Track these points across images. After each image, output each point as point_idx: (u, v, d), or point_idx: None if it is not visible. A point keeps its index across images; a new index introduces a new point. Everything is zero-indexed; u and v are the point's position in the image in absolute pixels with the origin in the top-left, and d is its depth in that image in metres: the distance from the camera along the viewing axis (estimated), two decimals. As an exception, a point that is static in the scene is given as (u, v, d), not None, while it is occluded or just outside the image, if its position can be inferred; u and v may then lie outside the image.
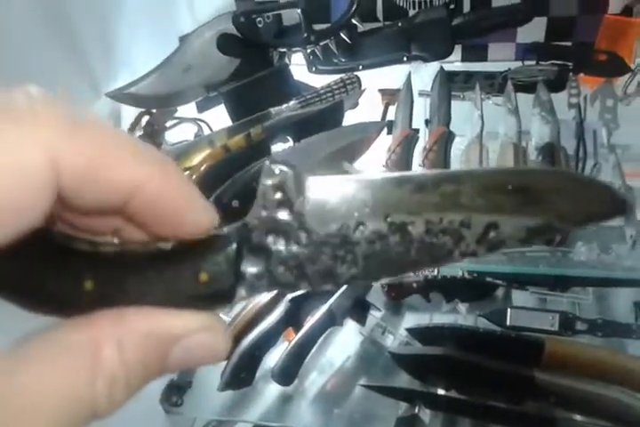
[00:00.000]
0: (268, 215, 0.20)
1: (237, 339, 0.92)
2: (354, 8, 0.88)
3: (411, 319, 1.01)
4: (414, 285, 1.02)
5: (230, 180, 0.72)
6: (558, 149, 0.75)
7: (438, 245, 0.20)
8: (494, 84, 0.91)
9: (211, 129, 0.90)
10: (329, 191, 0.21)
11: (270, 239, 0.20)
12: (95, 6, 0.80)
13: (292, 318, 0.93)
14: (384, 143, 0.83)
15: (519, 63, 0.95)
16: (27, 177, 0.16)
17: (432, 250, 0.21)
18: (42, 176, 0.17)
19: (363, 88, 0.92)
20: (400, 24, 0.93)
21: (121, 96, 0.84)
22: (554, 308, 0.90)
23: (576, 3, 0.94)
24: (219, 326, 0.20)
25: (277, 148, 0.81)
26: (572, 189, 0.21)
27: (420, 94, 0.91)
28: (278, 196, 0.20)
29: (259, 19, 0.94)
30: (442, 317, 0.99)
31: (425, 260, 0.21)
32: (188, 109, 0.92)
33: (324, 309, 0.94)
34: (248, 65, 0.90)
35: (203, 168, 0.74)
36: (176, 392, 0.94)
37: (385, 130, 0.86)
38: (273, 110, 0.85)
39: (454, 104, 0.85)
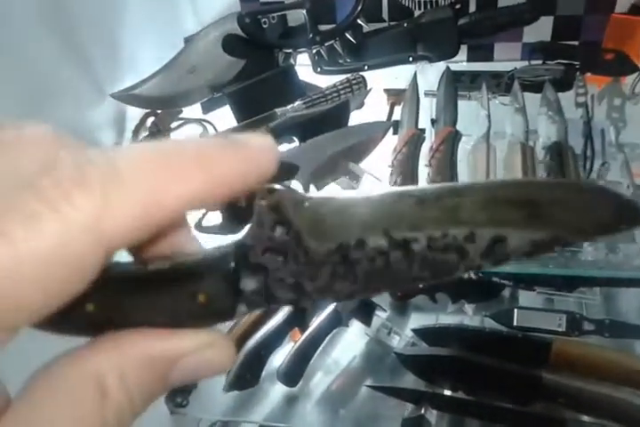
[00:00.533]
0: (264, 234, 0.20)
1: (243, 339, 0.91)
2: (359, 8, 0.88)
3: (417, 320, 1.01)
4: (420, 285, 1.02)
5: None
6: (566, 148, 0.75)
7: (442, 261, 0.20)
8: (501, 83, 0.91)
9: (216, 130, 0.90)
10: (327, 209, 0.20)
11: (268, 258, 0.20)
12: (99, 8, 0.80)
13: (298, 319, 0.93)
14: (390, 143, 0.83)
15: (526, 63, 0.94)
16: (76, 265, 0.17)
17: (435, 266, 0.20)
18: (90, 260, 0.17)
19: (368, 88, 0.91)
20: (406, 24, 0.93)
21: (126, 97, 0.84)
22: (561, 308, 0.89)
23: (583, 2, 0.94)
24: (219, 342, 0.20)
25: (283, 148, 0.81)
26: (578, 200, 0.20)
27: (427, 94, 0.91)
28: (274, 216, 0.20)
29: (264, 19, 0.94)
30: (448, 317, 0.99)
31: (427, 275, 0.20)
32: (193, 110, 0.92)
33: (329, 309, 0.94)
34: (253, 66, 0.90)
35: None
36: (181, 393, 0.93)
37: (391, 130, 0.86)
38: (278, 111, 0.85)
39: (461, 104, 0.85)
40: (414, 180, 0.76)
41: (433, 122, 0.87)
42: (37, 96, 0.70)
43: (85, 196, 0.16)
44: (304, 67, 0.96)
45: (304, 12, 0.88)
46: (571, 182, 0.21)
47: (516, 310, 0.88)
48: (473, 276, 0.97)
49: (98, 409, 0.18)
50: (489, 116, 0.81)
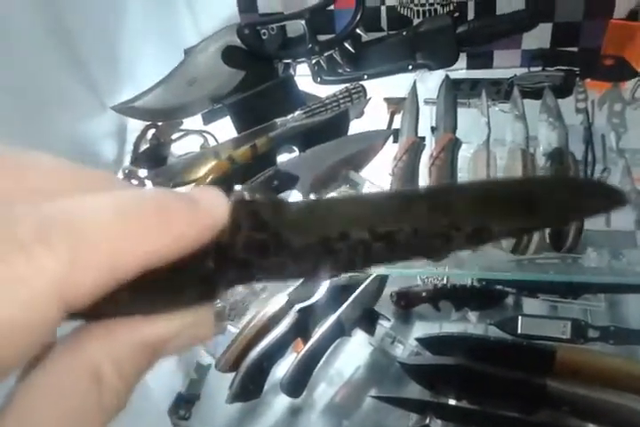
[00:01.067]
0: (242, 235, 0.20)
1: (245, 350, 0.91)
2: (358, 18, 0.88)
3: (420, 329, 1.01)
4: (423, 294, 1.02)
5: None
6: (566, 154, 0.74)
7: (426, 246, 0.21)
8: (500, 90, 0.91)
9: (216, 141, 0.90)
10: (309, 209, 0.21)
11: (248, 254, 0.20)
12: (99, 20, 0.80)
13: (301, 329, 0.93)
14: (390, 151, 0.83)
15: (525, 70, 0.94)
16: (34, 328, 0.16)
17: (419, 250, 0.21)
18: (49, 322, 0.16)
19: (368, 97, 0.92)
20: (404, 33, 0.93)
21: (126, 109, 0.84)
22: (565, 315, 0.89)
23: (581, 8, 0.93)
24: (203, 320, 0.21)
25: (283, 158, 0.81)
26: (564, 194, 0.21)
27: (426, 102, 0.91)
28: (252, 222, 0.20)
29: (263, 30, 0.94)
30: (452, 326, 0.98)
31: (410, 256, 0.21)
32: (193, 122, 0.92)
33: (332, 319, 0.94)
34: (253, 76, 0.91)
35: (209, 180, 0.74)
36: (184, 405, 0.93)
37: (391, 138, 0.86)
38: (278, 121, 0.86)
39: (460, 111, 0.85)
40: (415, 187, 0.75)
41: (433, 130, 0.87)
42: (38, 109, 0.70)
43: (49, 257, 0.16)
44: (304, 77, 0.96)
45: (303, 22, 0.89)
46: (556, 177, 0.22)
47: (520, 318, 0.88)
48: (476, 284, 0.96)
49: (95, 397, 0.18)
50: (489, 123, 0.81)
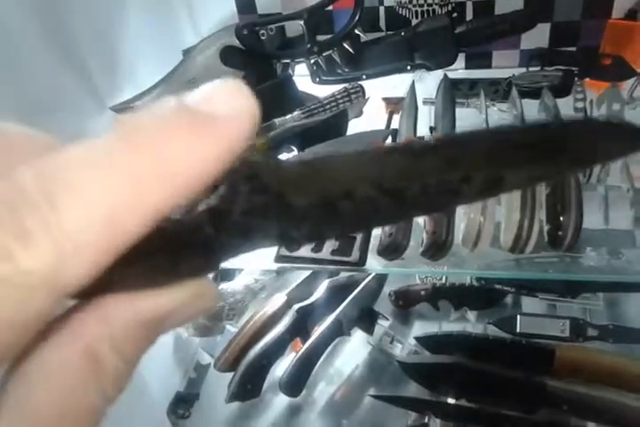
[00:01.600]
0: (241, 198, 0.18)
1: (244, 350, 0.91)
2: (356, 18, 0.88)
3: (419, 328, 1.01)
4: (422, 293, 1.02)
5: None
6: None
7: (435, 202, 0.19)
8: (499, 90, 0.91)
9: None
10: (311, 166, 0.19)
11: (248, 219, 0.18)
12: (98, 21, 0.80)
13: (300, 329, 0.93)
14: (389, 151, 0.82)
15: (524, 69, 0.94)
16: (30, 320, 0.15)
17: (428, 206, 0.20)
18: (42, 314, 0.16)
19: (367, 97, 0.92)
20: (403, 33, 0.93)
21: (126, 110, 0.84)
22: (564, 314, 0.89)
23: (580, 8, 0.94)
24: (205, 292, 0.19)
25: (282, 158, 0.81)
26: (583, 137, 0.20)
27: (425, 102, 0.91)
28: (250, 185, 0.18)
29: (262, 31, 0.94)
30: (450, 325, 0.98)
31: (419, 213, 0.20)
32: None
33: (331, 318, 0.94)
34: (252, 77, 0.91)
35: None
36: (183, 405, 0.93)
37: (389, 138, 0.86)
38: (277, 121, 0.86)
39: (459, 111, 0.85)
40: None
41: (432, 130, 0.87)
42: (37, 109, 0.70)
43: (31, 255, 0.15)
44: (302, 77, 0.96)
45: (302, 22, 0.89)
46: (576, 121, 0.21)
47: (518, 317, 0.88)
48: (475, 283, 0.96)
49: (93, 378, 0.17)
50: (487, 122, 0.81)
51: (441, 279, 1.02)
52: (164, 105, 0.17)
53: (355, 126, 0.87)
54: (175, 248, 0.19)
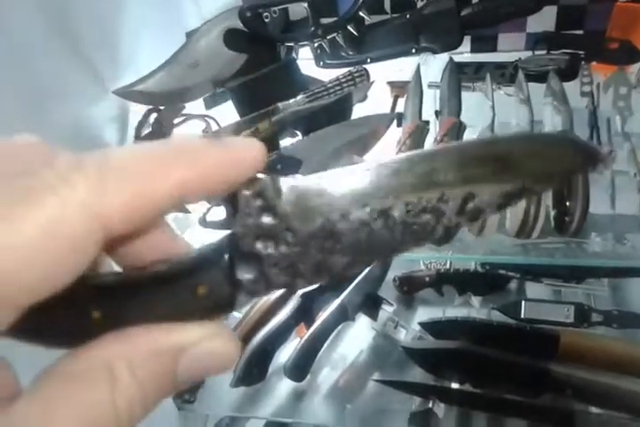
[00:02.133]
0: (253, 222, 0.21)
1: (249, 335, 0.91)
2: (361, 1, 0.87)
3: (423, 313, 1.01)
4: (426, 278, 1.02)
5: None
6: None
7: (421, 224, 0.21)
8: (505, 74, 0.90)
9: (219, 125, 0.90)
10: (308, 190, 0.21)
11: (259, 245, 0.21)
12: (100, 4, 0.79)
13: (304, 314, 0.93)
14: (394, 136, 0.82)
15: (530, 53, 0.93)
16: (75, 241, 0.18)
17: (416, 229, 0.21)
18: (89, 237, 0.18)
19: (371, 81, 0.91)
20: (408, 16, 0.92)
21: (128, 93, 0.84)
22: (569, 299, 0.89)
23: (586, -10, 0.93)
24: (222, 333, 0.21)
25: (286, 142, 0.81)
26: (540, 149, 0.22)
27: (430, 86, 0.90)
28: (259, 203, 0.21)
29: (265, 13, 0.93)
30: (455, 310, 0.99)
31: (410, 239, 0.22)
32: (195, 106, 0.91)
33: (335, 304, 0.94)
34: (255, 60, 0.90)
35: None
36: (188, 389, 0.93)
37: (395, 122, 0.85)
38: (281, 105, 0.85)
39: (464, 95, 0.84)
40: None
41: (437, 113, 0.86)
42: (39, 94, 0.69)
43: (82, 179, 0.18)
44: (306, 60, 0.95)
45: (305, 5, 0.87)
46: (537, 135, 0.23)
47: (523, 302, 0.88)
48: (479, 268, 0.96)
49: (109, 395, 0.18)
50: (493, 106, 0.80)
51: (445, 265, 1.02)
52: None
53: (359, 110, 0.86)
54: (194, 274, 0.21)
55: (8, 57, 0.64)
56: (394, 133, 0.83)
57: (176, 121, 0.89)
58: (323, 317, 0.93)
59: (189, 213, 0.78)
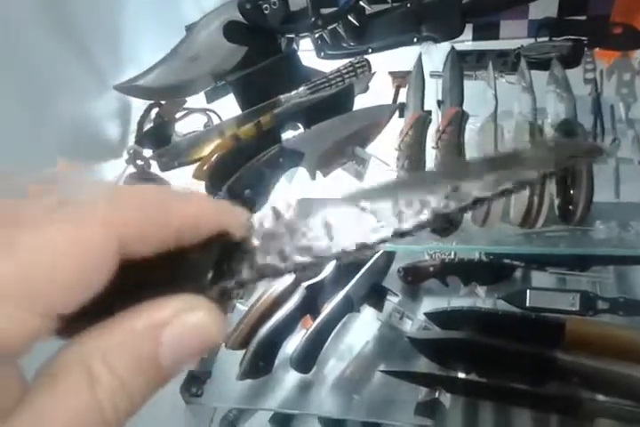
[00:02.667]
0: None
1: (255, 328, 0.92)
2: (361, -10, 0.87)
3: (428, 304, 1.01)
4: (431, 269, 1.02)
5: (242, 169, 0.71)
6: (575, 125, 0.73)
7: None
8: (507, 62, 0.89)
9: (220, 119, 0.89)
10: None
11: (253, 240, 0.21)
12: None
13: (310, 306, 0.93)
14: (396, 126, 0.82)
15: (532, 40, 0.92)
16: (93, 255, 0.18)
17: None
18: (106, 253, 0.19)
19: (373, 71, 0.90)
20: (409, 5, 0.91)
21: (129, 89, 0.83)
22: (574, 288, 0.89)
23: (589, -25, 0.91)
24: (201, 304, 0.19)
25: (288, 135, 0.81)
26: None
27: (432, 75, 0.90)
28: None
29: (265, 5, 0.92)
30: (460, 300, 0.98)
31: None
32: (197, 100, 0.91)
33: (340, 295, 0.94)
34: (256, 52, 0.89)
35: (213, 158, 0.74)
36: (196, 383, 0.94)
37: (397, 113, 0.85)
38: (282, 97, 0.85)
39: (467, 84, 0.84)
40: (422, 162, 0.75)
41: (439, 103, 0.85)
42: (40, 90, 0.69)
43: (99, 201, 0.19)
44: (307, 52, 0.95)
45: (305, -5, 0.87)
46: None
47: (528, 291, 0.88)
48: (484, 258, 0.96)
49: (91, 396, 0.18)
50: (496, 95, 0.79)
51: (450, 255, 1.01)
52: None
53: (361, 101, 0.86)
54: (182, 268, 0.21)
55: (9, 53, 0.64)
56: (396, 124, 0.82)
57: (178, 115, 0.89)
58: (328, 308, 0.93)
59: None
